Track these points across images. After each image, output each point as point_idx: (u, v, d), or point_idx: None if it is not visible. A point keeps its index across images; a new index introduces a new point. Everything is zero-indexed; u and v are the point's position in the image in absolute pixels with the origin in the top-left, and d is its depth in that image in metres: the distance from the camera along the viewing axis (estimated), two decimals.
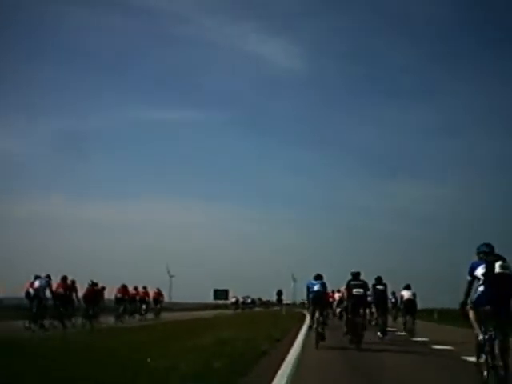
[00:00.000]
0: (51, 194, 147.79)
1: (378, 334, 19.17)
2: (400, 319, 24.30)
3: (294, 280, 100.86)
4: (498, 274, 8.81)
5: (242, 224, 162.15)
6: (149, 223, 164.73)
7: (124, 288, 31.90)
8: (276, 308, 50.14)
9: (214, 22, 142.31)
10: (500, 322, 8.47)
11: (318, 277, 16.74)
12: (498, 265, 8.86)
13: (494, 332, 8.46)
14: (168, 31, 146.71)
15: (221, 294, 55.47)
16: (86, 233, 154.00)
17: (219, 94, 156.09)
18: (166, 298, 56.40)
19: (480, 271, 8.92)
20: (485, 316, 8.66)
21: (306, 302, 19.69)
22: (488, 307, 8.67)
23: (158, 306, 37.18)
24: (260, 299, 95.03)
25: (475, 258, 9.23)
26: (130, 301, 32.86)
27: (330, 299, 29.61)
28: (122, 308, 31.06)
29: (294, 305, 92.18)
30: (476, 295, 8.90)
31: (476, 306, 8.90)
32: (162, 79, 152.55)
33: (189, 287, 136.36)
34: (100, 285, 28.29)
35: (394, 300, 27.69)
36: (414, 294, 20.36)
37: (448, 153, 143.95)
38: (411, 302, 20.22)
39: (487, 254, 9.14)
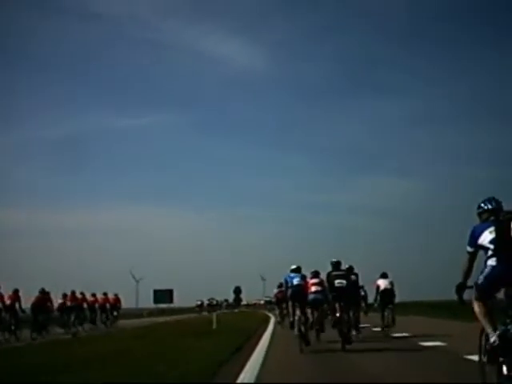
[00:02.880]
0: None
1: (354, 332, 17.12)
2: (371, 313, 22.15)
3: (263, 279, 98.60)
4: None
5: (204, 225, 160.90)
6: (111, 228, 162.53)
7: (73, 295, 29.45)
8: (236, 310, 39.90)
9: (171, 24, 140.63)
10: None
11: (297, 269, 14.57)
12: None
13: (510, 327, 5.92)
14: (126, 34, 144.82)
15: (162, 295, 43.90)
16: (41, 240, 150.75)
17: (179, 96, 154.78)
18: (133, 304, 53.52)
19: (487, 237, 6.20)
20: (503, 304, 6.15)
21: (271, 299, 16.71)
22: (507, 290, 6.08)
23: (115, 313, 34.99)
24: (226, 300, 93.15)
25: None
26: (89, 309, 31.20)
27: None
28: (71, 317, 28.72)
29: (251, 306, 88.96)
30: (483, 275, 6.17)
31: (484, 292, 6.23)
32: (119, 82, 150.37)
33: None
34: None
35: (363, 293, 25.66)
36: (391, 283, 17.94)
37: (421, 147, 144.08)
38: (389, 292, 17.87)
39: (495, 213, 6.43)
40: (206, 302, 79.92)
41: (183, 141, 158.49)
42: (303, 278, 14.38)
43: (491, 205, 6.59)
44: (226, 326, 25.52)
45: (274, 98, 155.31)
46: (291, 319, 14.17)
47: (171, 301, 44.28)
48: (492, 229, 6.23)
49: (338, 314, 13.77)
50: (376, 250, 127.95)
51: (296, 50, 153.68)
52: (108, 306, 33.73)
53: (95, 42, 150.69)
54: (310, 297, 15.49)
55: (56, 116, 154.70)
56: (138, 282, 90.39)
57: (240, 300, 43.44)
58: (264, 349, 14.02)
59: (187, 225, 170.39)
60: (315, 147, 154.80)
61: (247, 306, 77.78)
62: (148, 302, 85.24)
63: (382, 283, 17.93)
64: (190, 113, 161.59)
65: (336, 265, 14.44)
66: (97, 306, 32.29)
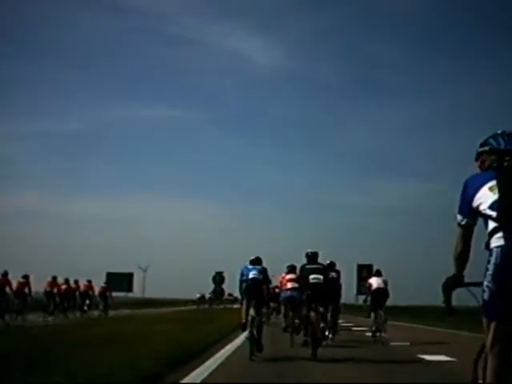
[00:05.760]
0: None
1: (327, 333, 14.59)
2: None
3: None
4: None
5: (222, 220, 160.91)
6: (127, 219, 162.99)
7: (54, 280, 27.61)
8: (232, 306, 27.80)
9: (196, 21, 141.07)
10: None
11: (257, 261, 11.62)
12: None
13: None
14: (152, 29, 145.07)
15: (118, 281, 32.78)
16: (69, 229, 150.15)
17: (201, 92, 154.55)
18: (139, 294, 50.16)
19: (487, 198, 3.42)
20: None
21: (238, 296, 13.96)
22: None
23: (87, 301, 31.51)
24: (230, 294, 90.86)
25: None
26: (68, 296, 28.94)
27: None
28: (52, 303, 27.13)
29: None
30: (489, 273, 3.27)
31: (496, 307, 3.25)
32: (143, 76, 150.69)
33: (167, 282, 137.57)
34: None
35: None
36: (384, 282, 15.29)
37: (434, 150, 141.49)
38: (382, 292, 15.31)
39: (504, 156, 3.62)
40: (207, 296, 78.29)
41: (198, 135, 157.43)
42: (262, 271, 11.50)
43: (504, 142, 3.67)
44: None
45: (291, 97, 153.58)
46: (243, 320, 11.42)
47: (130, 289, 34.92)
48: (493, 183, 3.44)
49: (311, 315, 11.33)
50: (385, 249, 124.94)
51: (310, 50, 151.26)
52: (77, 294, 30.51)
53: (121, 35, 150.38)
54: (286, 294, 14.19)
55: (72, 106, 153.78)
56: (145, 271, 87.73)
57: (222, 292, 34.01)
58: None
59: (192, 217, 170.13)
60: (329, 147, 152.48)
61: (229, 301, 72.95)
62: (156, 292, 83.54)
63: (375, 282, 15.37)
64: (207, 109, 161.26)
65: (312, 257, 11.77)
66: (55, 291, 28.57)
